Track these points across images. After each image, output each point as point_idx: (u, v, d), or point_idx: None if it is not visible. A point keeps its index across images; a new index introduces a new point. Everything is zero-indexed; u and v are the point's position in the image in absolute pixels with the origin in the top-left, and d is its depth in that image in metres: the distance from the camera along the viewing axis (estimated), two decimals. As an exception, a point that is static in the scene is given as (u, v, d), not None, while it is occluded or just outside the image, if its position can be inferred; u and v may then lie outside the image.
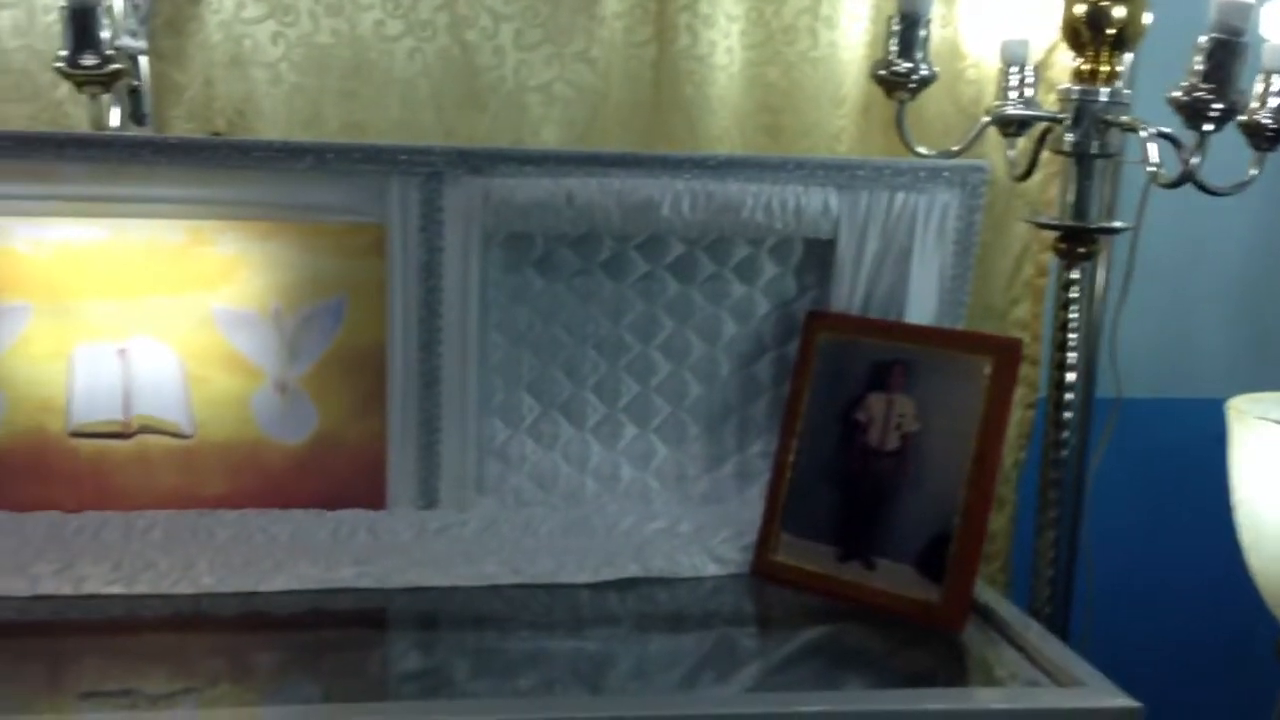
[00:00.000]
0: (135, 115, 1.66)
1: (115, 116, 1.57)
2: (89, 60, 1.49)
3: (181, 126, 1.71)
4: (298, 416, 1.61)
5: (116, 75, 1.52)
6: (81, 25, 1.47)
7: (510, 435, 1.70)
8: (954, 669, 1.47)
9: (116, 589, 1.48)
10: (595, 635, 1.50)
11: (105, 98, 1.54)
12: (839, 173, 1.59)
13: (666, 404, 1.74)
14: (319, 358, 1.59)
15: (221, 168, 1.48)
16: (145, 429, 1.59)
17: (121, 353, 1.56)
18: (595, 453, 1.73)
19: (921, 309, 1.62)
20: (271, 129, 1.72)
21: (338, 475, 1.63)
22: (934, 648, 1.48)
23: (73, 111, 1.69)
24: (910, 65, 1.59)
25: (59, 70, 1.51)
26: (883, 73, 1.61)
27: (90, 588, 1.48)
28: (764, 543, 1.59)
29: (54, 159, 1.44)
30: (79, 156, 1.44)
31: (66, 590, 1.48)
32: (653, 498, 1.73)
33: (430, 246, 1.55)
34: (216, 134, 1.69)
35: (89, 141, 1.45)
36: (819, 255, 1.68)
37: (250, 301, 1.56)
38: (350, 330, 1.58)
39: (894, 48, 1.60)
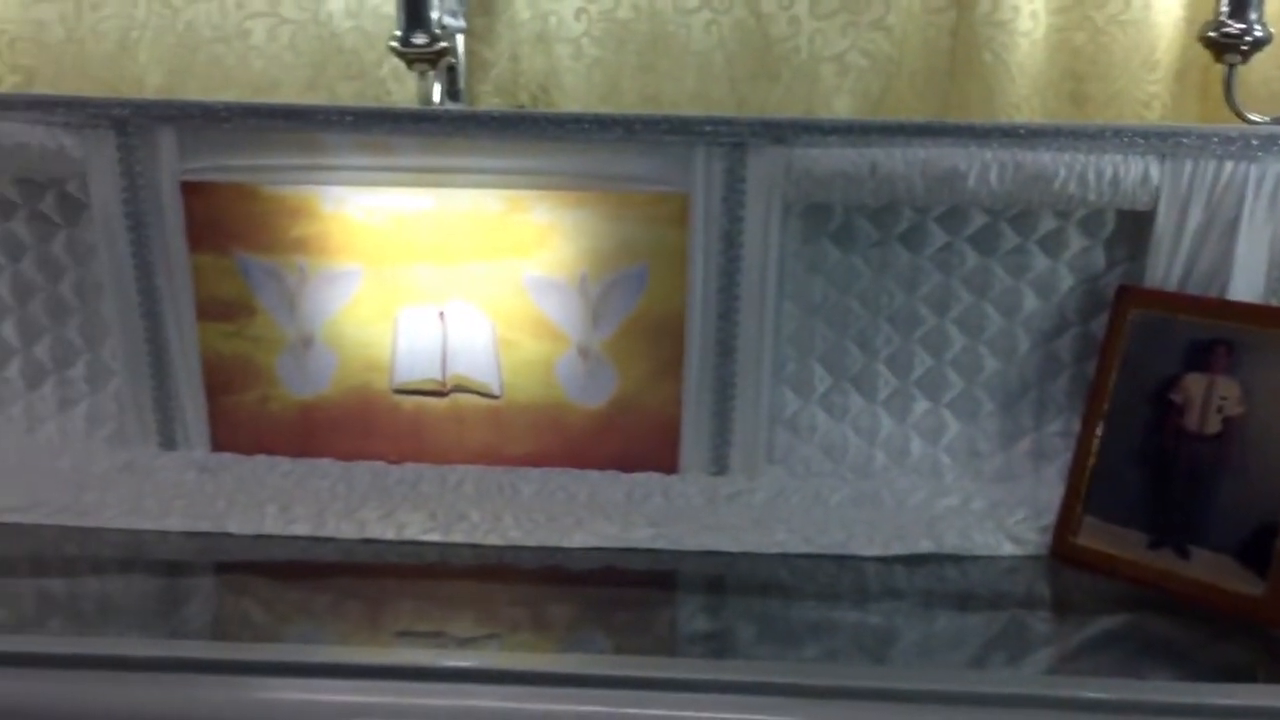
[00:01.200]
0: (451, 91, 1.75)
1: (437, 93, 1.67)
2: (420, 39, 1.59)
3: (489, 101, 1.80)
4: (598, 381, 1.67)
5: (442, 53, 1.61)
6: (414, 7, 1.57)
7: (801, 405, 1.71)
8: (1277, 667, 1.39)
9: (434, 537, 1.58)
10: (881, 609, 1.49)
11: (430, 75, 1.64)
12: (1161, 141, 1.51)
13: (960, 378, 1.70)
14: (620, 324, 1.64)
15: (537, 140, 1.54)
16: (459, 388, 1.68)
17: (441, 315, 1.66)
18: (885, 425, 1.71)
19: (1248, 286, 1.53)
20: (572, 102, 1.78)
21: (634, 439, 1.68)
22: (1251, 643, 1.40)
23: (394, 89, 1.81)
24: (1243, 26, 1.50)
25: (392, 49, 1.61)
26: (1212, 34, 1.52)
27: (410, 534, 1.59)
28: (1064, 524, 1.54)
29: (390, 133, 1.54)
30: (412, 131, 1.54)
31: (389, 535, 1.59)
32: (944, 473, 1.70)
33: (732, 216, 1.57)
34: (521, 107, 1.77)
35: (422, 116, 1.54)
36: (1132, 228, 1.60)
37: (559, 268, 1.62)
38: (651, 297, 1.63)
39: (1225, 8, 1.50)
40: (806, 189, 1.57)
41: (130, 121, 1.54)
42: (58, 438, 1.73)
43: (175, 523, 1.60)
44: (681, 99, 1.80)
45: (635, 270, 1.62)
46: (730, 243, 1.58)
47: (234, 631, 1.49)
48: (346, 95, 1.80)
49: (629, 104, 1.78)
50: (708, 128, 1.53)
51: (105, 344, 1.73)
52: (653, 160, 1.56)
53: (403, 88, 1.80)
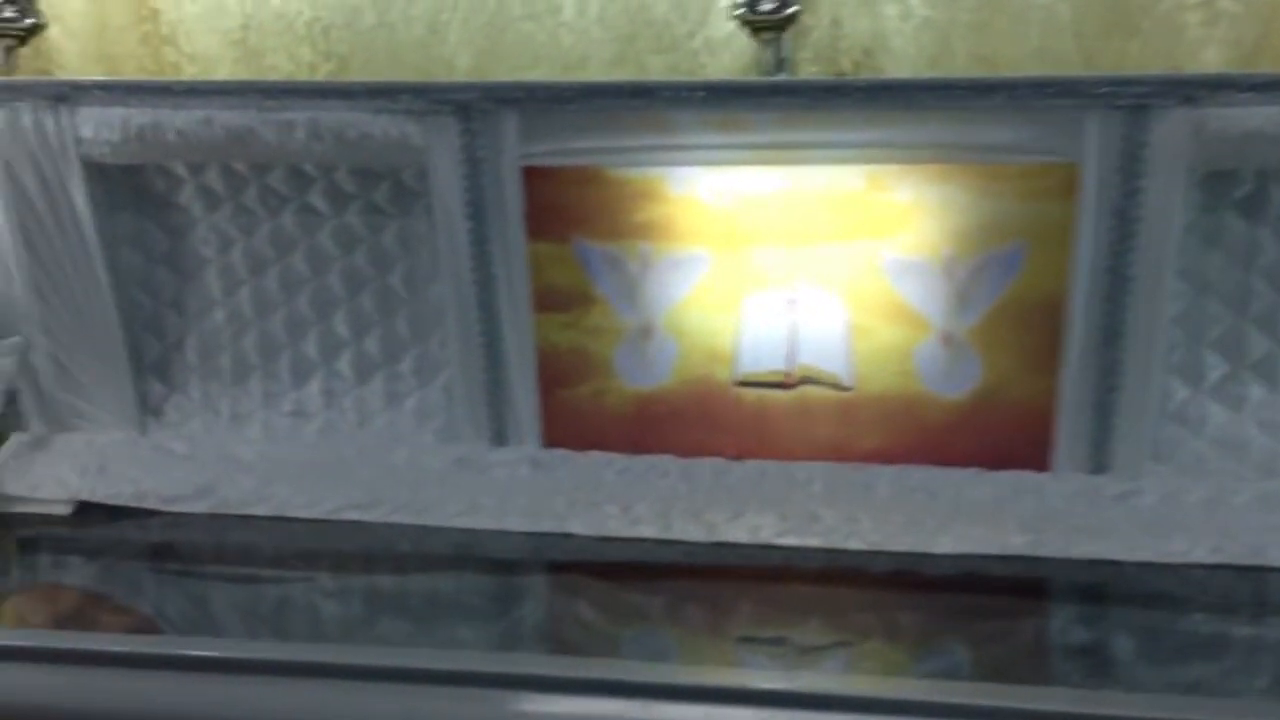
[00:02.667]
0: (777, 61, 1.64)
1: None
2: (767, 4, 1.48)
3: (807, 69, 1.67)
4: (961, 370, 1.53)
5: (791, 19, 1.50)
6: (760, -27, 1.46)
7: (1190, 396, 1.53)
8: None
9: (789, 540, 1.49)
10: (1281, 625, 1.34)
11: (778, 42, 1.53)
12: None
13: (1383, 368, 1.50)
14: (989, 308, 1.50)
15: (904, 109, 1.41)
16: (806, 379, 1.57)
17: (790, 302, 1.55)
18: (1294, 419, 1.53)
19: None
20: (898, 67, 1.63)
21: (1000, 434, 1.54)
22: None
23: (707, 61, 1.70)
24: None
25: (737, 17, 1.51)
26: None
27: (764, 537, 1.50)
28: None
29: (746, 108, 1.44)
30: (768, 105, 1.43)
31: (742, 539, 1.50)
32: (1364, 473, 1.50)
33: (1128, 187, 1.40)
34: (841, 75, 1.64)
35: (780, 89, 1.43)
36: None
37: (922, 249, 1.49)
38: (1026, 279, 1.48)
39: None
40: (1218, 153, 1.39)
41: (474, 106, 1.48)
42: (388, 432, 1.70)
43: (515, 522, 1.55)
44: (1020, 58, 1.62)
45: (1009, 250, 1.47)
46: (1124, 217, 1.41)
47: (566, 633, 1.44)
48: (657, 69, 1.70)
49: (960, 67, 1.62)
50: (1103, 89, 1.37)
51: (433, 337, 1.69)
52: (1035, 128, 1.41)
53: (715, 60, 1.69)
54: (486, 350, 1.61)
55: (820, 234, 1.50)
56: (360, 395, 1.73)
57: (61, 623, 1.46)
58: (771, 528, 1.50)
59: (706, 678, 1.22)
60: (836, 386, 1.57)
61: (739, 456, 1.60)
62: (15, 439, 1.72)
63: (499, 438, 1.66)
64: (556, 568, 1.55)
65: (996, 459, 1.54)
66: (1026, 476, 1.53)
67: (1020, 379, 1.52)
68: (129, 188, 1.67)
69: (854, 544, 1.47)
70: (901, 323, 1.53)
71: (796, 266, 1.53)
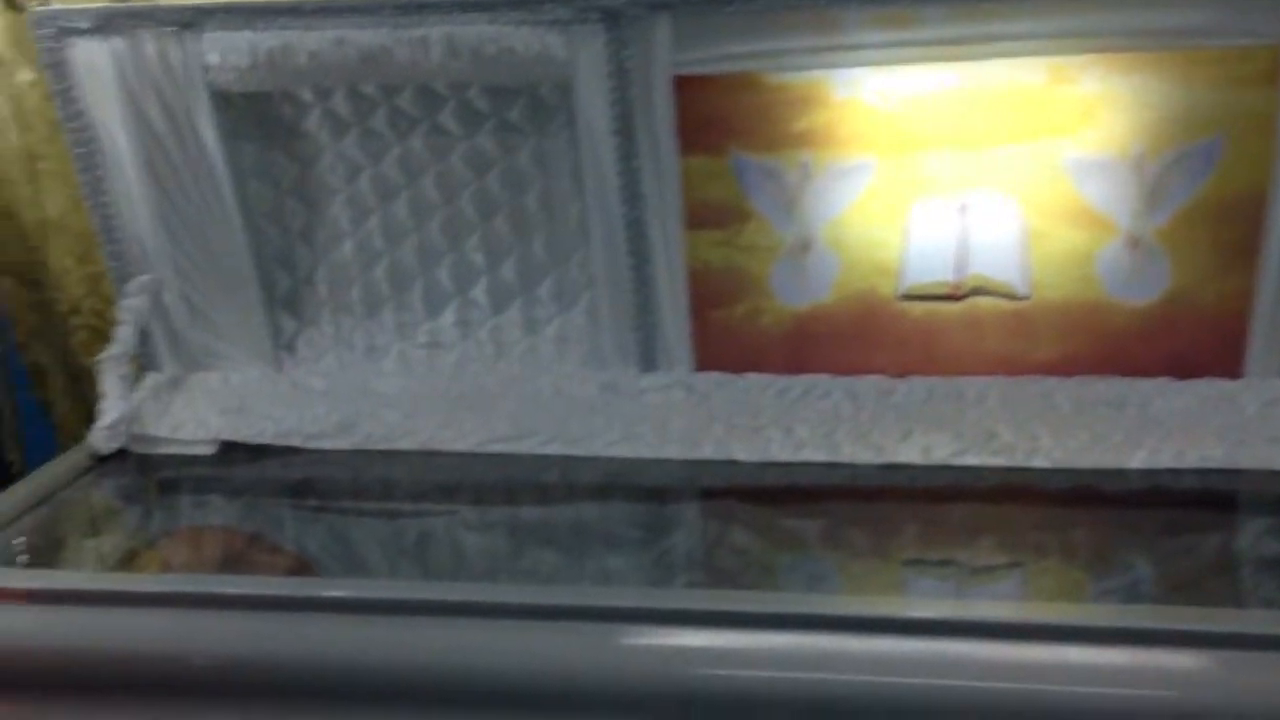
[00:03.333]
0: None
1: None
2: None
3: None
4: (1148, 274, 1.44)
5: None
6: None
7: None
8: None
9: (966, 460, 1.41)
10: None
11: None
12: None
13: None
14: (1181, 207, 1.40)
15: (1090, -7, 1.31)
16: (977, 290, 1.48)
17: (961, 209, 1.46)
18: None
19: None
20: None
21: (1190, 340, 1.45)
22: None
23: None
24: None
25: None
26: None
27: (938, 457, 1.42)
28: None
29: (913, 1, 1.34)
30: (941, -3, 1.33)
31: (915, 459, 1.43)
32: None
33: (1341, 69, 1.30)
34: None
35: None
36: None
37: (1109, 146, 1.39)
38: (1222, 174, 1.38)
39: None
40: None
41: (623, 13, 1.39)
42: (530, 361, 1.64)
43: (674, 449, 1.49)
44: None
45: (1205, 143, 1.37)
46: (1334, 102, 1.31)
47: (722, 560, 1.39)
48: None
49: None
50: (1316, -41, 1.26)
51: (573, 260, 1.62)
52: (1234, 8, 1.30)
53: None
54: (635, 271, 1.54)
55: (996, 135, 1.41)
56: (497, 324, 1.66)
57: (220, 566, 1.44)
58: (945, 447, 1.42)
59: (858, 607, 1.15)
60: (1010, 296, 1.48)
61: (904, 374, 1.53)
62: (151, 379, 1.68)
63: (648, 362, 1.59)
64: (711, 494, 1.49)
65: (1186, 367, 1.46)
66: (1219, 384, 1.45)
67: (1212, 282, 1.43)
68: (254, 116, 1.60)
69: (1037, 462, 1.39)
70: (1083, 226, 1.44)
71: (969, 171, 1.44)
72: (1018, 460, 1.40)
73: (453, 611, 1.15)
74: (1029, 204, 1.44)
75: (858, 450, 1.44)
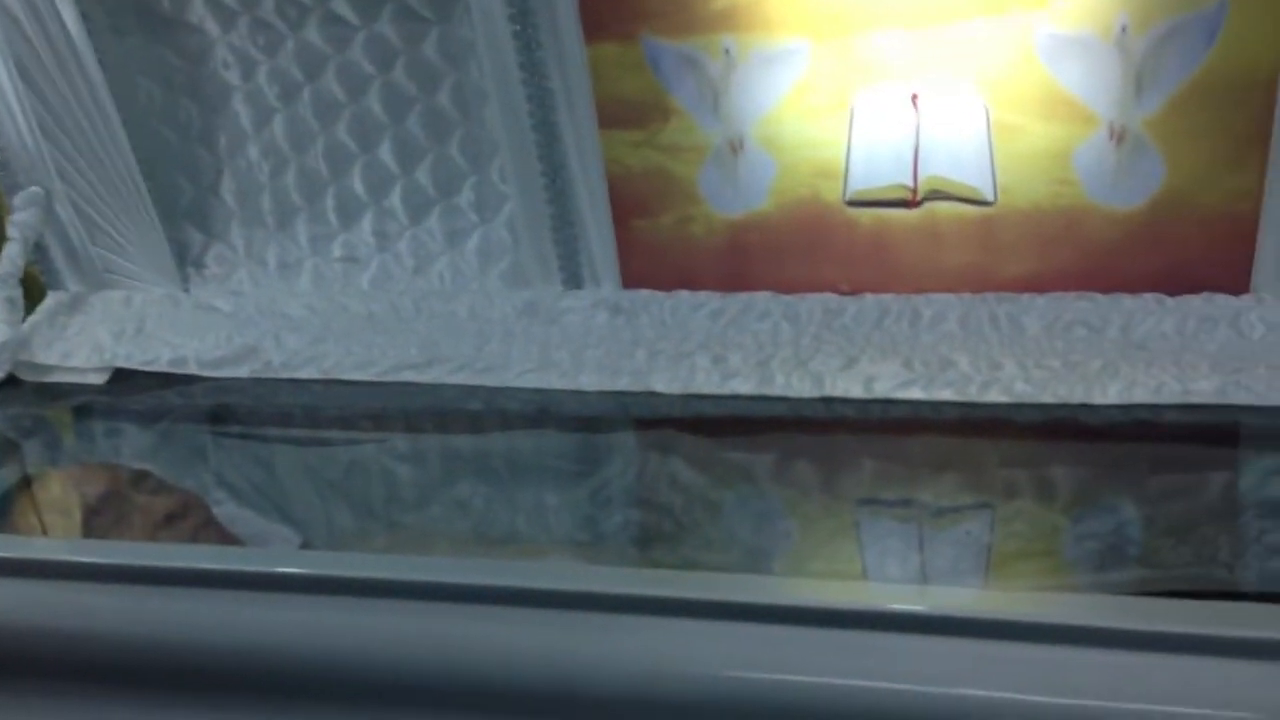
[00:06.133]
0: None
1: None
2: None
3: None
4: (1137, 173, 1.22)
5: None
6: None
7: None
8: None
9: (914, 393, 1.23)
10: None
11: None
12: None
13: None
14: (1175, 92, 1.18)
15: None
16: (935, 194, 1.28)
17: (914, 99, 1.25)
18: None
19: None
20: None
21: (1186, 250, 1.24)
22: None
23: None
24: None
25: None
26: None
27: (881, 390, 1.24)
28: None
29: None
30: None
31: (856, 393, 1.25)
32: None
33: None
34: None
35: None
36: None
37: (1088, 20, 1.17)
38: (1225, 50, 1.15)
39: None
40: None
41: None
42: (450, 277, 1.49)
43: (589, 380, 1.33)
44: None
45: (1204, 13, 1.14)
46: (1361, -43, 1.07)
47: (662, 495, 1.23)
48: None
49: None
50: None
51: (492, 164, 1.44)
52: None
53: None
54: (549, 179, 1.36)
55: (952, 9, 1.20)
56: (415, 235, 1.50)
57: (98, 506, 1.33)
58: (892, 378, 1.24)
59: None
60: (974, 201, 1.28)
61: (853, 292, 1.34)
62: (52, 299, 1.56)
63: (573, 279, 1.42)
64: (644, 424, 1.34)
65: (1181, 282, 1.25)
66: (1219, 301, 1.24)
67: (1213, 180, 1.21)
68: (131, 7, 1.43)
69: (995, 396, 1.21)
70: (1058, 118, 1.22)
71: (921, 53, 1.23)
72: (971, 394, 1.21)
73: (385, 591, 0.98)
74: (994, 92, 1.23)
75: (793, 381, 1.27)
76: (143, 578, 1.02)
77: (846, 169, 1.30)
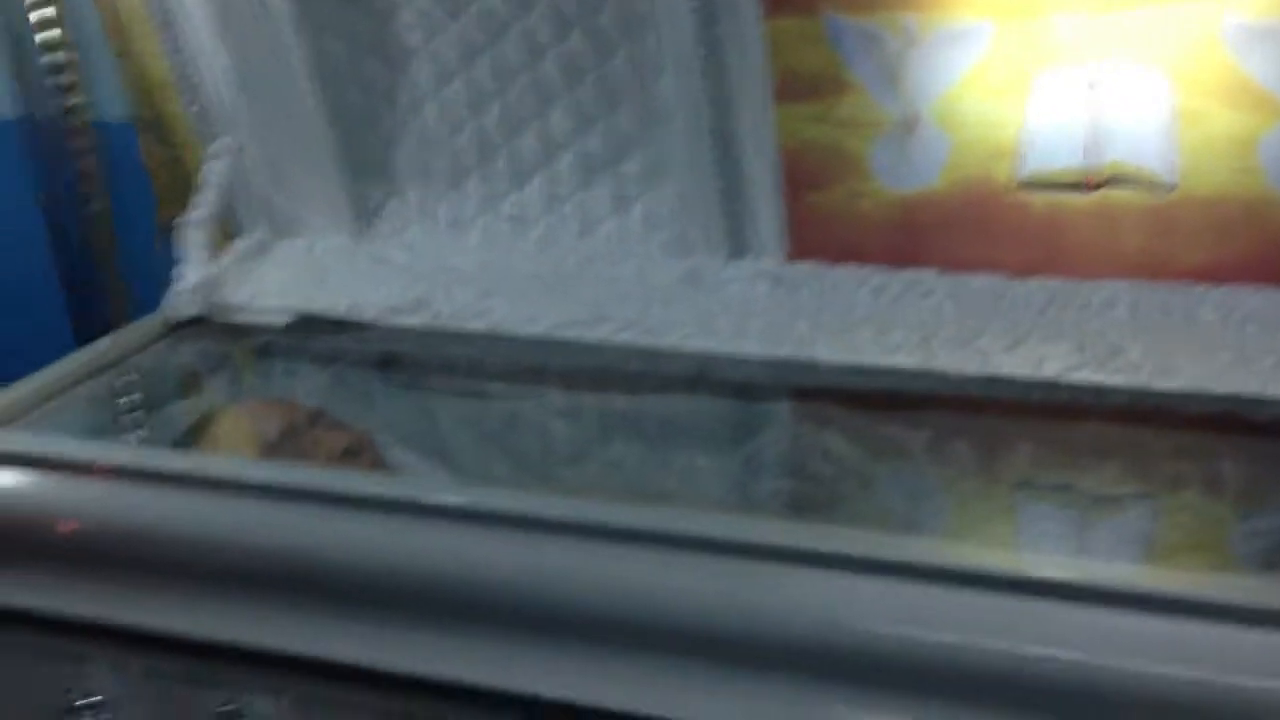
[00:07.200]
0: None
1: None
2: None
3: None
4: (1325, 164, 1.20)
5: None
6: None
7: None
8: None
9: (1083, 376, 1.23)
10: None
11: None
12: None
13: None
14: (1370, 84, 1.16)
15: None
16: (1113, 179, 1.27)
17: (1093, 84, 1.24)
18: None
19: None
20: None
21: (1374, 247, 1.21)
22: None
23: None
24: None
25: None
26: None
27: (1050, 371, 1.24)
28: None
29: None
30: None
31: (1023, 372, 1.25)
32: None
33: None
34: None
35: None
36: None
37: (1276, 9, 1.15)
38: None
39: None
40: None
41: None
42: (615, 241, 1.53)
43: (752, 346, 1.36)
44: None
45: (1404, 3, 1.11)
46: None
47: (812, 465, 1.26)
48: None
49: None
50: None
51: (663, 132, 1.47)
52: None
53: None
54: (719, 150, 1.38)
55: (1139, -7, 1.19)
56: (584, 199, 1.54)
57: (278, 440, 1.41)
58: (1061, 360, 1.24)
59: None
60: (1153, 187, 1.26)
61: (1021, 273, 1.33)
62: (238, 245, 1.64)
63: (737, 249, 1.44)
64: (801, 394, 1.36)
65: (1364, 277, 1.22)
66: (1403, 299, 1.21)
67: None
68: (325, -32, 1.51)
69: (1164, 384, 1.20)
70: (1245, 105, 1.20)
71: (1105, 37, 1.22)
72: (1142, 379, 1.21)
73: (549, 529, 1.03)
74: (1178, 78, 1.21)
75: (957, 357, 1.28)
76: (326, 499, 1.10)
77: (1022, 150, 1.29)
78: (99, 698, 1.16)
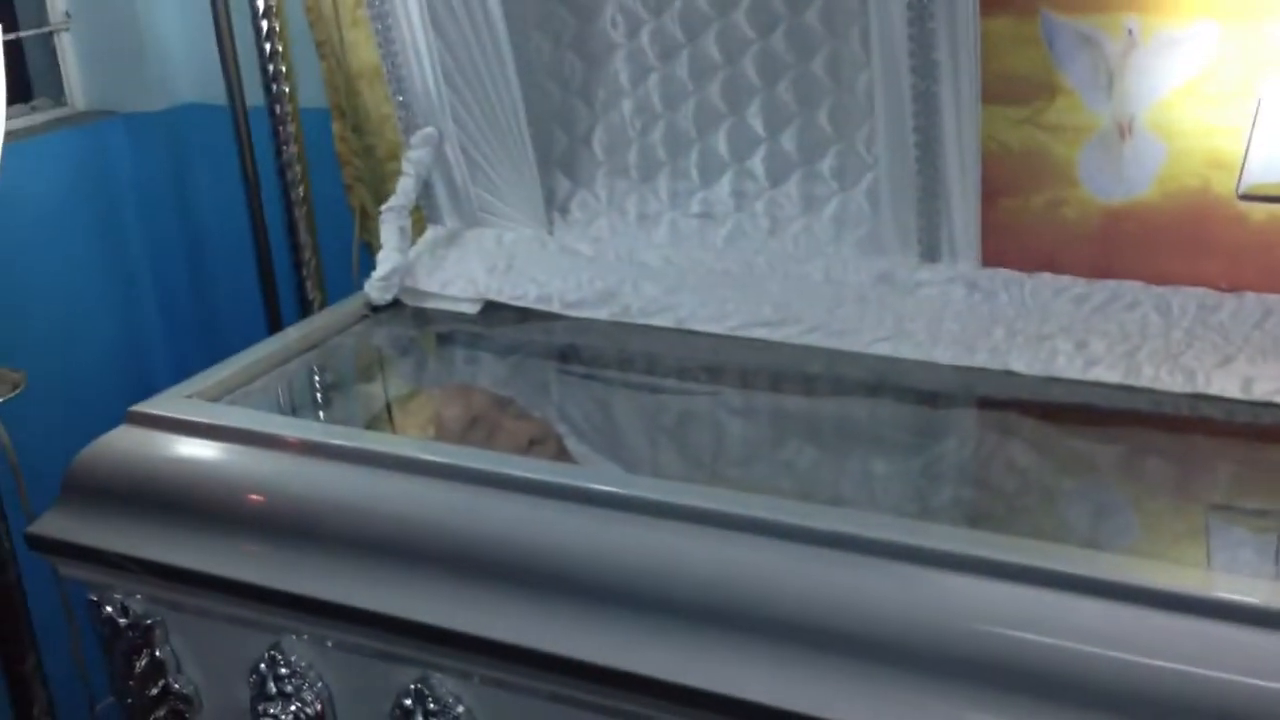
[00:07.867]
0: None
1: None
2: None
3: None
4: None
5: None
6: None
7: None
8: None
9: (1299, 396, 1.18)
10: None
11: None
12: None
13: None
14: None
15: None
16: (1343, 194, 1.22)
17: (1328, 91, 1.18)
18: None
19: None
20: None
21: None
22: None
23: None
24: None
25: None
26: None
27: (1260, 393, 1.19)
28: None
29: None
30: None
31: (1231, 392, 1.21)
32: None
33: None
34: None
35: None
36: None
37: None
38: None
39: None
40: None
41: None
42: (805, 241, 1.51)
43: (944, 353, 1.33)
44: None
45: None
46: None
47: (996, 478, 1.22)
48: None
49: None
50: None
51: (857, 135, 1.46)
52: None
53: None
54: (921, 150, 1.36)
55: (1382, -4, 1.12)
56: (773, 198, 1.54)
57: (466, 428, 1.44)
58: (1273, 380, 1.19)
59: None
60: (1387, 204, 1.20)
61: (1234, 288, 1.29)
62: (431, 233, 1.69)
63: (930, 253, 1.42)
64: (989, 404, 1.33)
65: None
66: None
67: None
68: (535, -35, 1.54)
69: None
70: None
71: (1340, 43, 1.16)
72: (1361, 407, 1.15)
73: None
74: None
75: (1162, 374, 1.23)
76: (523, 487, 1.13)
77: (1245, 160, 1.24)
78: (292, 667, 1.21)
